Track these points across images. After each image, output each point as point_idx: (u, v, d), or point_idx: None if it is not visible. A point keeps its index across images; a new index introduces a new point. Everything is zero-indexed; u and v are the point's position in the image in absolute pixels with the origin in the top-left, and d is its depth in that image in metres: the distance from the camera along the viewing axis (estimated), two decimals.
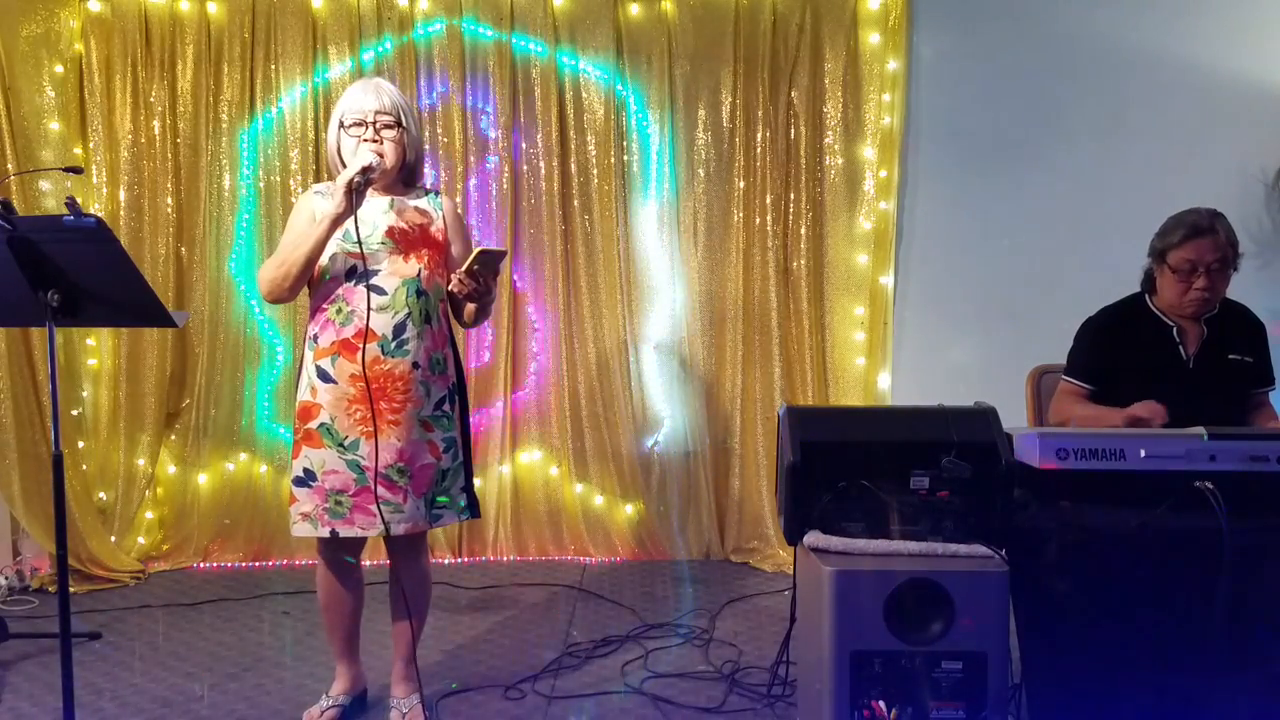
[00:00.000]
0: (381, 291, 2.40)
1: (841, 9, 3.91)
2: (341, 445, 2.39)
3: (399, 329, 2.40)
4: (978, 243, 3.98)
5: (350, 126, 2.41)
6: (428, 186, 2.60)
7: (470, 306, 2.48)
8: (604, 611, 3.48)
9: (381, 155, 2.38)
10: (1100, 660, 2.07)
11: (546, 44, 3.96)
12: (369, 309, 2.36)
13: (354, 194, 2.30)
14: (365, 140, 2.38)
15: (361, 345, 2.36)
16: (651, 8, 3.97)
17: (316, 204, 2.43)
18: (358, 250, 2.38)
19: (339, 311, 2.40)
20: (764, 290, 4.00)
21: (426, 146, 3.99)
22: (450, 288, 2.40)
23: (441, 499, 2.50)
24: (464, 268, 2.32)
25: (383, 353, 2.39)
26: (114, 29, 3.92)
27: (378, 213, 2.44)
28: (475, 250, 2.31)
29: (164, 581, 3.86)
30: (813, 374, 4.00)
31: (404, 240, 2.44)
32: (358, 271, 2.40)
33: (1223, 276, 2.59)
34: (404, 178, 2.51)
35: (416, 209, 2.50)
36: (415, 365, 2.42)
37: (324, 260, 2.41)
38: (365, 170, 2.30)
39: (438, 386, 2.48)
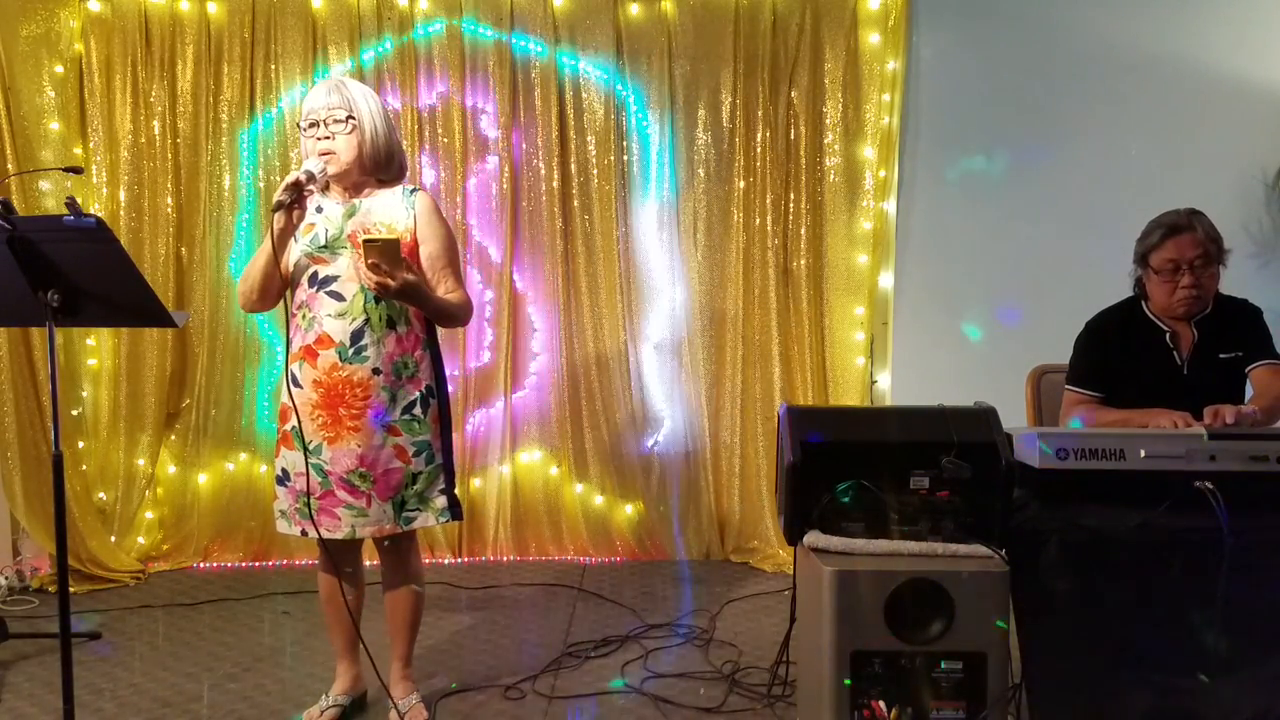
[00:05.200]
0: (340, 297, 2.37)
1: (841, 9, 3.91)
2: (306, 449, 2.39)
3: (356, 335, 2.37)
4: (977, 243, 3.98)
5: (306, 129, 2.38)
6: (409, 183, 2.51)
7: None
8: (604, 611, 3.48)
9: (332, 153, 2.34)
10: (1100, 660, 2.07)
11: (546, 44, 3.96)
12: (295, 319, 2.36)
13: (287, 210, 2.25)
14: (319, 139, 2.34)
15: (318, 352, 2.37)
16: (651, 8, 3.97)
17: None
18: (320, 255, 2.38)
19: (304, 317, 2.40)
20: (764, 290, 4.00)
21: (426, 146, 4.00)
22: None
23: (414, 502, 2.48)
24: (363, 263, 2.24)
25: (340, 359, 2.37)
26: (114, 29, 3.92)
27: (340, 216, 2.42)
28: (361, 240, 2.24)
29: (164, 581, 3.86)
30: (813, 374, 4.00)
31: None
32: (319, 277, 2.39)
33: (1208, 273, 2.60)
34: (373, 173, 2.44)
35: (385, 209, 2.43)
36: (376, 371, 2.38)
37: (291, 266, 2.41)
38: (294, 186, 2.25)
39: (406, 391, 2.44)
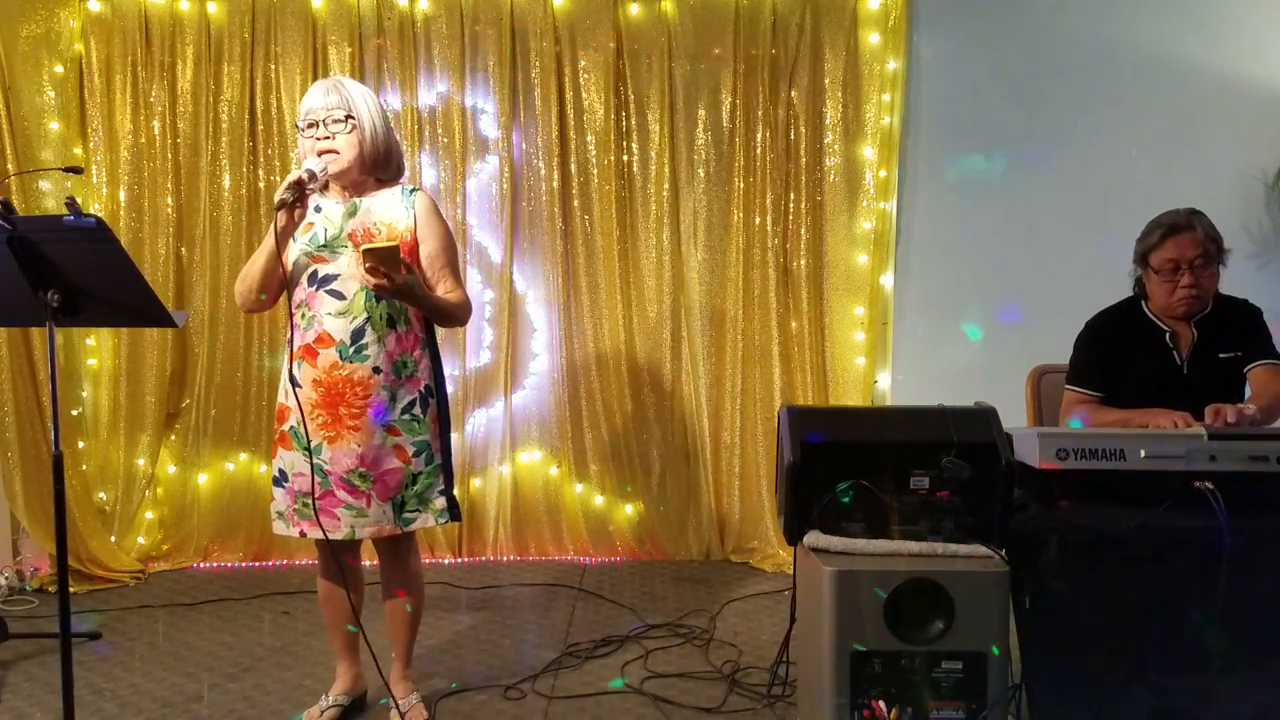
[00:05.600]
0: (340, 296, 2.38)
1: (841, 9, 3.91)
2: (305, 449, 2.39)
3: (357, 334, 2.37)
4: (977, 242, 3.98)
5: (305, 129, 2.38)
6: (408, 183, 2.52)
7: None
8: (604, 611, 3.48)
9: (333, 153, 2.34)
10: (1100, 660, 2.07)
11: (546, 44, 3.96)
12: (294, 318, 2.35)
13: (289, 208, 2.26)
14: (319, 140, 2.35)
15: (318, 351, 2.37)
16: (651, 8, 3.97)
17: None
18: (319, 254, 2.38)
19: (303, 316, 2.40)
20: (764, 290, 4.00)
21: (426, 146, 4.00)
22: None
23: (413, 503, 2.48)
24: (363, 267, 2.25)
25: (340, 358, 2.37)
26: (114, 29, 3.92)
27: (341, 215, 2.42)
28: (361, 249, 2.24)
29: (164, 581, 3.86)
30: (813, 374, 4.00)
31: (366, 242, 2.37)
32: (318, 276, 2.39)
33: (1208, 273, 2.60)
34: (372, 172, 2.45)
35: (385, 209, 2.43)
36: (376, 370, 2.38)
37: (290, 265, 2.41)
38: (295, 185, 2.26)
39: (405, 390, 2.44)
